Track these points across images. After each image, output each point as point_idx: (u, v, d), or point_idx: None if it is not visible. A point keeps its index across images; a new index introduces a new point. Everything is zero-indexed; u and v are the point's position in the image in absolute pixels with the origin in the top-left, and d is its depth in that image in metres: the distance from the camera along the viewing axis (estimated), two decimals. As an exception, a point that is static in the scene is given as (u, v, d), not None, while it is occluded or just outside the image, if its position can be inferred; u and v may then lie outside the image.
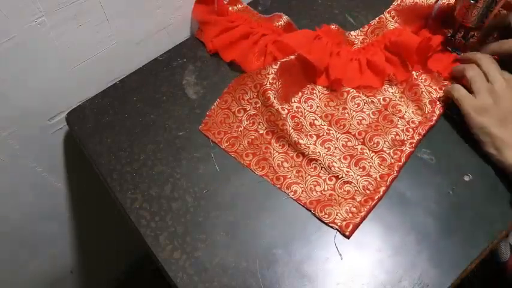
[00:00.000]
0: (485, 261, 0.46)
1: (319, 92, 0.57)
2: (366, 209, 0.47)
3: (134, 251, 1.06)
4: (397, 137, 0.53)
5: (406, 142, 0.52)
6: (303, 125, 0.54)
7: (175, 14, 0.62)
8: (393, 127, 0.53)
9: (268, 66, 0.54)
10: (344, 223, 0.46)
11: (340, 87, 0.57)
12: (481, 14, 0.52)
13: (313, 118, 0.55)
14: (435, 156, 0.51)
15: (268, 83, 0.54)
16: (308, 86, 0.58)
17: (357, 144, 0.53)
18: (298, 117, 0.54)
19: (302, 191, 0.49)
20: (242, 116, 0.55)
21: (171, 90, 0.59)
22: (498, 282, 0.74)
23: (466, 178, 0.50)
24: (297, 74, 0.56)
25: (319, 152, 0.52)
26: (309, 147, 0.52)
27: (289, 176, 0.51)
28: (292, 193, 0.49)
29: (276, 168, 0.51)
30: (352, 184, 0.50)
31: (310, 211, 0.48)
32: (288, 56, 0.55)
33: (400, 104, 0.55)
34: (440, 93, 0.55)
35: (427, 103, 0.54)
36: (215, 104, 0.57)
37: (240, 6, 0.65)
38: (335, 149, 0.53)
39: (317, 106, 0.56)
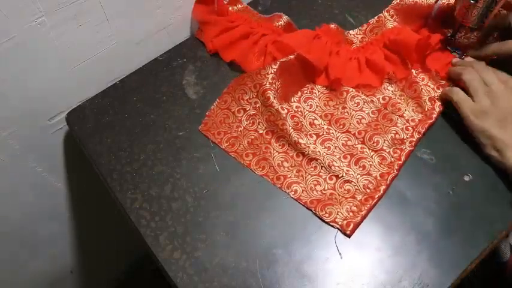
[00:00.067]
0: (485, 261, 0.46)
1: (318, 91, 0.57)
2: (366, 208, 0.47)
3: (134, 251, 1.06)
4: (397, 135, 0.53)
5: (405, 141, 0.52)
6: (302, 124, 0.54)
7: (175, 14, 0.62)
8: (393, 126, 0.54)
9: (267, 66, 0.54)
10: (345, 222, 0.46)
11: (340, 86, 0.57)
12: (481, 14, 0.52)
13: (313, 117, 0.55)
14: (435, 156, 0.52)
15: (267, 83, 0.54)
16: (307, 85, 0.58)
17: (356, 143, 0.53)
18: (297, 117, 0.54)
19: (302, 190, 0.49)
20: (242, 116, 0.55)
21: (171, 90, 0.59)
22: (498, 282, 0.74)
23: (466, 178, 0.50)
24: (296, 73, 0.56)
25: (319, 152, 0.52)
26: (309, 146, 0.52)
27: (289, 176, 0.51)
28: (293, 193, 0.49)
29: (276, 168, 0.51)
30: (353, 183, 0.50)
31: (311, 210, 0.48)
32: (287, 56, 0.55)
33: (399, 103, 0.55)
34: (438, 92, 0.55)
35: (426, 100, 0.54)
36: (215, 104, 0.57)
37: (240, 6, 0.65)
38: (335, 148, 0.53)
39: (317, 105, 0.56)
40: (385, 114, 0.55)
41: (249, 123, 0.55)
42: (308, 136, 0.53)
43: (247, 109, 0.55)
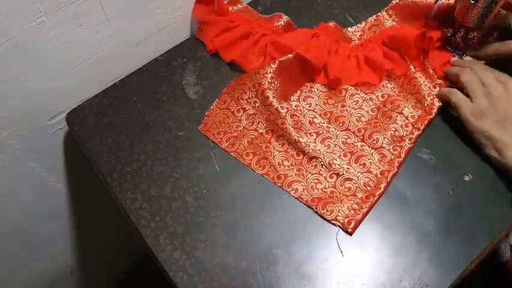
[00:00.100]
0: (485, 261, 0.46)
1: (317, 90, 0.57)
2: (367, 206, 0.47)
3: (134, 251, 1.06)
4: (396, 132, 0.53)
5: (405, 138, 0.52)
6: (302, 123, 0.54)
7: (175, 14, 0.62)
8: (392, 123, 0.54)
9: (266, 66, 0.54)
10: (346, 220, 0.46)
11: (339, 85, 0.57)
12: (481, 14, 0.52)
13: (313, 116, 0.55)
14: (435, 156, 0.52)
15: (266, 82, 0.54)
16: (307, 84, 0.58)
17: (356, 141, 0.53)
18: (297, 116, 0.54)
19: (303, 189, 0.50)
20: (241, 115, 0.55)
21: (171, 90, 0.59)
22: (498, 282, 0.74)
23: (466, 178, 0.50)
24: (295, 72, 0.56)
25: (319, 150, 0.52)
26: (309, 145, 0.52)
27: (290, 175, 0.51)
28: (294, 191, 0.49)
29: (277, 167, 0.51)
30: (353, 181, 0.50)
31: (312, 209, 0.48)
32: (286, 55, 0.55)
33: (399, 99, 0.55)
34: (434, 91, 0.55)
35: (426, 95, 0.55)
36: (214, 104, 0.57)
37: (240, 6, 0.65)
38: (335, 146, 0.53)
39: (316, 104, 0.56)
40: (385, 111, 0.55)
41: (249, 122, 0.55)
42: (308, 135, 0.53)
43: (247, 109, 0.55)
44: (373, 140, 0.53)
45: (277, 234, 0.47)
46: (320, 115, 0.55)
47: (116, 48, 0.58)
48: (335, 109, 0.56)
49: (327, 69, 0.57)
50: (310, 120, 0.55)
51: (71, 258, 0.87)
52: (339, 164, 0.51)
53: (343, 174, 0.50)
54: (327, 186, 0.50)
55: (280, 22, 0.62)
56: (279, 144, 0.53)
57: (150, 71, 0.61)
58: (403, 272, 0.44)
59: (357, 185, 0.49)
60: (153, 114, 0.57)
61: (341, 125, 0.54)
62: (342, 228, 0.47)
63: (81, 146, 0.56)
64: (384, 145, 0.52)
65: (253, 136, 0.54)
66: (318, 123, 0.55)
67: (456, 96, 0.52)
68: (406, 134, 0.53)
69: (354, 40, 0.62)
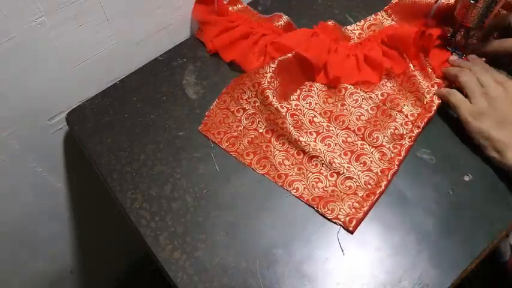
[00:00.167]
0: (485, 261, 0.46)
1: (317, 89, 0.57)
2: (368, 204, 0.47)
3: (134, 251, 1.06)
4: (396, 131, 0.53)
5: (405, 136, 0.52)
6: (302, 122, 0.54)
7: (175, 14, 0.62)
8: (392, 121, 0.54)
9: (266, 65, 0.55)
10: (347, 218, 0.46)
11: (339, 83, 0.57)
12: (481, 14, 0.52)
13: (313, 115, 0.55)
14: (435, 156, 0.52)
15: (266, 82, 0.54)
16: (306, 83, 0.58)
17: (356, 139, 0.53)
18: (297, 115, 0.54)
19: (304, 188, 0.50)
20: (241, 115, 0.55)
21: (171, 90, 0.59)
22: (498, 282, 0.74)
23: (466, 178, 0.50)
24: (295, 72, 0.57)
25: (319, 149, 0.52)
26: (309, 144, 0.52)
27: (290, 174, 0.51)
28: (295, 190, 0.49)
29: (277, 166, 0.51)
30: (354, 179, 0.50)
31: (313, 208, 0.48)
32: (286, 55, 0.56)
33: (398, 98, 0.55)
34: (432, 91, 0.55)
35: (425, 93, 0.55)
36: (214, 104, 0.57)
37: (240, 6, 0.65)
38: (335, 145, 0.53)
39: (316, 103, 0.56)
40: (384, 110, 0.55)
41: (249, 122, 0.55)
42: (308, 134, 0.53)
43: (247, 108, 0.55)
44: (373, 139, 0.53)
45: (277, 234, 0.47)
46: (320, 114, 0.55)
47: (116, 48, 0.58)
48: (335, 108, 0.56)
49: (327, 69, 0.57)
50: (310, 120, 0.55)
51: (71, 258, 0.87)
52: (339, 163, 0.51)
53: (343, 173, 0.50)
54: (327, 185, 0.50)
55: (280, 22, 0.62)
56: (279, 143, 0.53)
57: (150, 71, 0.61)
58: (403, 272, 0.44)
59: (357, 183, 0.49)
60: (153, 114, 0.57)
61: (341, 123, 0.54)
62: (343, 227, 0.47)
63: (81, 146, 0.56)
64: (384, 143, 0.52)
65: (253, 136, 0.54)
66: (318, 122, 0.55)
67: (455, 96, 0.52)
68: (406, 132, 0.53)
69: (353, 39, 0.62)
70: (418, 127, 0.53)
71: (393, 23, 0.63)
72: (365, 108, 0.56)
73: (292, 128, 0.52)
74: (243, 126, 0.55)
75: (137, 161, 0.53)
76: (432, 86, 0.56)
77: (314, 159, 0.51)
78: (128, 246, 1.00)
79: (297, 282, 0.44)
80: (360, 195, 0.49)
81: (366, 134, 0.53)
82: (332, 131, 0.54)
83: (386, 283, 0.43)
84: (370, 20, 0.64)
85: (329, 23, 0.61)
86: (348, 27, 0.63)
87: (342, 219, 0.47)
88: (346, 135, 0.54)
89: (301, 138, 0.52)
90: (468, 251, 0.45)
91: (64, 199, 0.73)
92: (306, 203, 0.49)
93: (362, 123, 0.54)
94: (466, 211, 0.47)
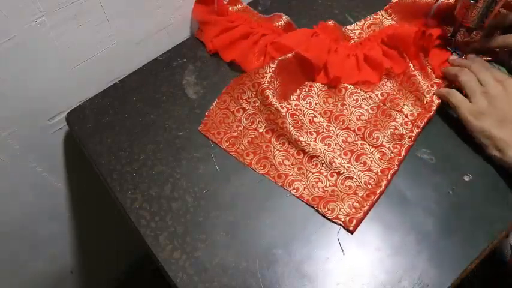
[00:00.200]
0: (485, 261, 0.46)
1: (317, 89, 0.57)
2: (368, 204, 0.47)
3: (134, 251, 1.06)
4: (396, 131, 0.53)
5: (405, 136, 0.52)
6: (302, 122, 0.54)
7: (175, 14, 0.62)
8: (392, 121, 0.54)
9: (266, 65, 0.55)
10: (347, 218, 0.46)
11: (339, 83, 0.57)
12: (481, 14, 0.52)
13: (313, 115, 0.55)
14: (435, 156, 0.52)
15: (266, 82, 0.54)
16: (306, 83, 0.58)
17: (356, 139, 0.53)
18: (297, 115, 0.54)
19: (304, 188, 0.50)
20: (241, 115, 0.55)
21: (171, 90, 0.59)
22: (498, 282, 0.74)
23: (466, 178, 0.50)
24: (294, 71, 0.56)
25: (319, 149, 0.52)
26: (309, 144, 0.52)
27: (290, 174, 0.51)
28: (295, 190, 0.49)
29: (277, 166, 0.51)
30: (354, 179, 0.50)
31: (313, 207, 0.48)
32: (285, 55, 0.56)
33: (398, 98, 0.55)
34: (432, 90, 0.55)
35: (425, 93, 0.55)
36: (213, 104, 0.57)
37: (240, 6, 0.65)
38: (335, 145, 0.53)
39: (316, 103, 0.56)
40: (384, 110, 0.55)
41: (249, 122, 0.55)
42: (308, 134, 0.53)
43: (247, 108, 0.55)
44: (373, 139, 0.53)
45: (277, 234, 0.47)
46: (320, 114, 0.55)
47: (116, 48, 0.58)
48: (335, 108, 0.56)
49: (327, 69, 0.57)
50: (310, 119, 0.55)
51: (71, 258, 0.87)
52: (339, 163, 0.51)
53: (343, 172, 0.50)
54: (327, 185, 0.50)
55: (280, 22, 0.62)
56: (279, 143, 0.53)
57: (150, 71, 0.61)
58: (403, 272, 0.44)
59: (357, 183, 0.49)
60: (153, 114, 0.57)
61: (341, 123, 0.55)
62: (343, 227, 0.47)
63: (81, 146, 0.56)
64: (384, 143, 0.52)
65: (253, 136, 0.54)
66: (318, 122, 0.55)
67: (455, 97, 0.52)
68: (406, 132, 0.53)
69: (353, 38, 0.62)
70: (418, 127, 0.53)
71: (393, 22, 0.63)
72: (365, 108, 0.56)
73: (292, 128, 0.52)
74: (243, 126, 0.55)
75: (137, 161, 0.53)
76: (432, 85, 0.56)
77: (314, 159, 0.51)
78: (128, 246, 1.00)
79: (297, 282, 0.44)
80: (360, 195, 0.49)
81: (366, 134, 0.53)
82: (332, 131, 0.54)
83: (387, 283, 0.43)
84: (370, 19, 0.64)
85: (329, 23, 0.61)
86: (348, 27, 0.63)
87: (342, 219, 0.47)
88: (346, 135, 0.54)
89: (301, 138, 0.52)
90: (468, 251, 0.45)
91: (64, 199, 0.73)
92: (306, 203, 0.49)
93: (362, 123, 0.54)
94: (466, 211, 0.47)
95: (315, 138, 0.53)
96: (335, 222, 0.47)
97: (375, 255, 0.45)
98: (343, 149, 0.52)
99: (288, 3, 0.68)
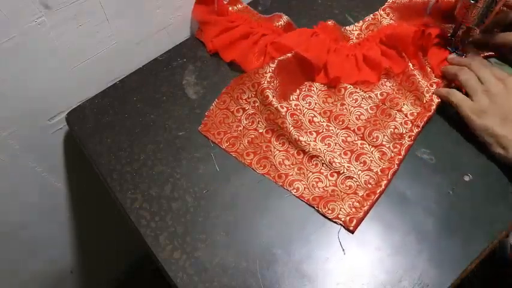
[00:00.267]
0: (485, 261, 0.46)
1: (317, 88, 0.57)
2: (368, 203, 0.47)
3: (134, 251, 1.06)
4: (396, 130, 0.53)
5: (405, 135, 0.52)
6: (302, 122, 0.54)
7: (175, 14, 0.62)
8: (392, 121, 0.54)
9: (265, 65, 0.55)
10: (348, 218, 0.47)
11: (338, 83, 0.57)
12: (481, 14, 0.52)
13: (312, 115, 0.55)
14: (435, 156, 0.51)
15: (266, 82, 0.54)
16: (306, 83, 0.58)
17: (356, 139, 0.53)
18: (297, 115, 0.54)
19: (304, 187, 0.50)
20: (241, 115, 0.55)
21: (171, 90, 0.59)
22: (498, 282, 0.74)
23: (466, 178, 0.50)
24: (294, 71, 0.57)
25: (319, 149, 0.52)
26: (309, 144, 0.52)
27: (290, 174, 0.51)
28: (295, 190, 0.49)
29: (278, 166, 0.51)
30: (354, 179, 0.50)
31: (314, 207, 0.48)
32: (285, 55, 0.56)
33: (397, 97, 0.55)
34: (432, 90, 0.55)
35: (424, 92, 0.55)
36: (213, 104, 0.57)
37: (240, 6, 0.65)
38: (335, 144, 0.53)
39: (315, 103, 0.56)
40: (384, 109, 0.55)
41: (249, 122, 0.55)
42: (308, 134, 0.53)
43: (247, 108, 0.55)
44: (373, 138, 0.53)
45: (277, 234, 0.47)
46: (320, 114, 0.55)
47: (116, 48, 0.58)
48: (334, 108, 0.56)
49: (327, 69, 0.57)
50: (310, 119, 0.55)
51: (71, 258, 0.87)
52: (339, 163, 0.51)
53: (343, 172, 0.50)
54: (328, 185, 0.50)
55: (280, 22, 0.62)
56: (279, 143, 0.53)
57: (150, 71, 0.61)
58: (403, 272, 0.44)
59: (357, 183, 0.50)
60: (153, 114, 0.57)
61: (341, 123, 0.55)
62: (343, 227, 0.47)
63: (81, 146, 0.56)
64: (384, 143, 0.52)
65: (253, 136, 0.54)
66: (318, 122, 0.55)
67: (456, 96, 0.52)
68: (406, 132, 0.53)
69: (352, 39, 0.62)
70: (418, 126, 0.53)
71: (392, 21, 0.63)
72: (364, 108, 0.56)
73: (292, 127, 0.52)
74: (243, 126, 0.55)
75: (137, 161, 0.53)
76: (431, 85, 0.56)
77: (314, 159, 0.51)
78: (128, 246, 1.00)
79: (297, 282, 0.44)
80: (360, 194, 0.49)
81: (366, 134, 0.53)
82: (332, 131, 0.54)
83: (387, 283, 0.43)
84: (368, 20, 0.64)
85: (329, 23, 0.61)
86: (347, 27, 0.63)
87: (343, 219, 0.47)
88: (346, 135, 0.54)
89: (301, 138, 0.52)
90: (468, 251, 0.45)
91: (64, 199, 0.73)
92: (306, 203, 0.49)
93: (362, 123, 0.54)
94: (466, 211, 0.47)
95: (315, 138, 0.53)
96: (335, 222, 0.47)
97: (375, 255, 0.45)
98: (343, 148, 0.52)
99: (288, 3, 0.68)
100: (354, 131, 0.54)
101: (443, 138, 0.53)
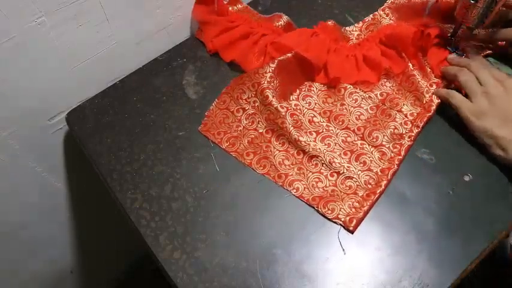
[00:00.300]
0: (485, 261, 0.46)
1: (316, 89, 0.57)
2: (368, 204, 0.47)
3: (134, 251, 1.06)
4: (396, 130, 0.53)
5: (405, 136, 0.52)
6: (302, 122, 0.54)
7: (175, 14, 0.62)
8: (391, 121, 0.54)
9: (265, 65, 0.55)
10: (348, 218, 0.47)
11: (338, 83, 0.57)
12: (481, 14, 0.52)
13: (312, 115, 0.55)
14: (435, 156, 0.52)
15: (266, 82, 0.54)
16: (306, 83, 0.58)
17: (356, 139, 0.53)
18: (297, 115, 0.54)
19: (304, 187, 0.50)
20: (241, 115, 0.55)
21: (171, 90, 0.59)
22: (498, 282, 0.74)
23: (466, 178, 0.50)
24: (294, 71, 0.57)
25: (319, 149, 0.52)
26: (309, 144, 0.52)
27: (290, 174, 0.51)
28: (295, 190, 0.49)
29: (277, 166, 0.51)
30: (354, 179, 0.50)
31: (313, 207, 0.48)
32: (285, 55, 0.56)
33: (397, 98, 0.55)
34: (431, 90, 0.55)
35: (424, 92, 0.55)
36: (213, 104, 0.57)
37: (240, 6, 0.65)
38: (335, 145, 0.53)
39: (315, 103, 0.56)
40: (384, 109, 0.55)
41: (249, 122, 0.55)
42: (308, 134, 0.53)
43: (247, 108, 0.55)
44: (373, 138, 0.53)
45: (277, 234, 0.47)
46: (319, 114, 0.55)
47: (116, 48, 0.58)
48: (334, 108, 0.56)
49: (327, 69, 0.57)
50: (309, 119, 0.55)
51: (71, 258, 0.87)
52: (339, 163, 0.51)
53: (343, 172, 0.50)
54: (327, 185, 0.50)
55: (280, 22, 0.62)
56: (279, 143, 0.53)
57: (150, 71, 0.61)
58: (403, 272, 0.44)
59: (357, 183, 0.50)
60: (153, 114, 0.57)
61: (340, 123, 0.55)
62: (343, 227, 0.47)
63: (81, 146, 0.56)
64: (384, 143, 0.52)
65: (253, 136, 0.54)
66: (318, 122, 0.55)
67: (455, 97, 0.52)
68: (406, 132, 0.53)
69: (352, 39, 0.62)
70: (418, 126, 0.53)
71: (391, 21, 0.63)
72: (364, 108, 0.56)
73: (292, 127, 0.52)
74: (243, 126, 0.55)
75: (137, 161, 0.53)
76: (431, 85, 0.56)
77: (314, 159, 0.51)
78: (128, 246, 1.00)
79: (297, 282, 0.44)
80: (360, 194, 0.49)
81: (366, 134, 0.53)
82: (332, 131, 0.54)
83: (387, 283, 0.43)
84: (368, 20, 0.64)
85: (329, 23, 0.61)
86: (347, 28, 0.63)
87: (343, 219, 0.47)
88: (345, 135, 0.54)
89: (301, 138, 0.52)
90: (468, 251, 0.45)
91: (64, 199, 0.73)
92: (306, 203, 0.49)
93: (361, 123, 0.54)
94: (466, 211, 0.47)
95: (315, 138, 0.53)
96: (335, 222, 0.47)
97: (375, 255, 0.45)
98: (343, 148, 0.52)
99: (288, 3, 0.68)
100: (353, 131, 0.54)
101: (443, 138, 0.53)
